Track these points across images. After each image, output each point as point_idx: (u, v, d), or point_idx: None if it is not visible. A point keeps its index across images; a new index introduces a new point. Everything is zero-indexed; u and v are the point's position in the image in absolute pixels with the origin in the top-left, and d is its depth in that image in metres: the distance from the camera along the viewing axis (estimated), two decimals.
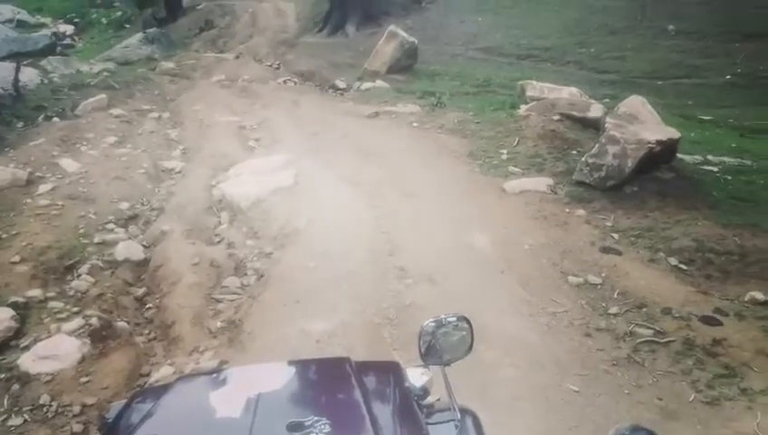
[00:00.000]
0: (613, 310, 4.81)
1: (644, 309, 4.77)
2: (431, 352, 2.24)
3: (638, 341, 4.42)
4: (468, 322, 2.29)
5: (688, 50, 14.47)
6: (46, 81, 13.35)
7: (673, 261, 5.42)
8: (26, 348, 4.67)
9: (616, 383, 4.04)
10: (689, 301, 4.82)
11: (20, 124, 10.14)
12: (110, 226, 6.80)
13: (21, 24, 23.78)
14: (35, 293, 5.40)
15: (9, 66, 12.26)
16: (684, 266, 5.34)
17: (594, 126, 8.62)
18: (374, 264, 5.66)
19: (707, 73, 13.38)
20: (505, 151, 8.33)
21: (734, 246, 5.56)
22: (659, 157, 6.97)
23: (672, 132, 7.14)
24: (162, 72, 15.95)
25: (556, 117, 9.03)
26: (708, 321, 4.55)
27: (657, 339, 4.42)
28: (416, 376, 2.22)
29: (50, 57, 16.62)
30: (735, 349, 4.26)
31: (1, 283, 5.48)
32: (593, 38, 16.21)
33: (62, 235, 6.35)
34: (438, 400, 2.21)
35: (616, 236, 5.94)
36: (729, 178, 7.41)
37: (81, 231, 6.53)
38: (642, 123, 7.27)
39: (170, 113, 11.73)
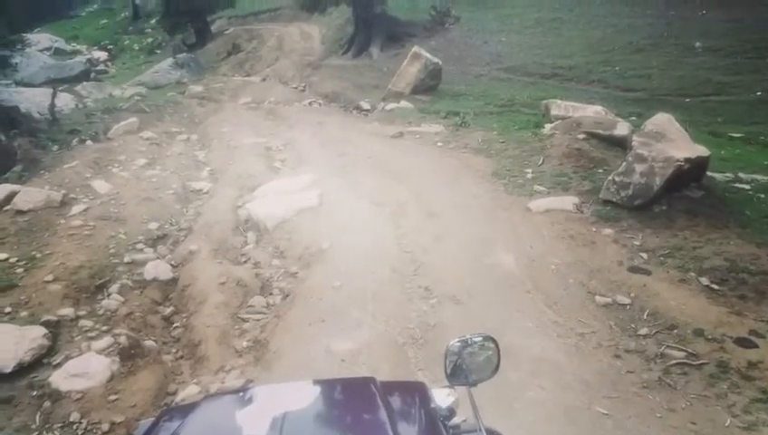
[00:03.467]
0: (643, 331, 4.70)
1: (675, 330, 4.65)
2: (457, 373, 2.22)
3: (670, 363, 4.31)
4: (495, 342, 2.27)
5: (716, 67, 14.26)
6: (81, 105, 13.78)
7: (704, 281, 5.28)
8: (58, 366, 4.77)
9: (647, 406, 3.93)
10: (722, 322, 4.69)
11: (55, 147, 10.45)
12: (140, 245, 6.94)
13: (58, 52, 24.65)
14: (67, 311, 5.52)
15: (46, 92, 12.72)
16: (716, 287, 5.20)
17: (620, 144, 8.54)
18: (399, 283, 5.65)
19: (736, 90, 13.15)
20: (530, 170, 8.29)
21: None
22: (688, 175, 6.84)
23: (701, 150, 7.02)
24: (191, 96, 16.34)
25: (581, 135, 8.97)
26: (743, 343, 4.41)
27: (689, 361, 4.30)
28: (441, 397, 2.19)
29: (84, 83, 17.21)
30: None
31: (35, 301, 5.62)
32: (618, 56, 16.11)
33: (93, 254, 6.49)
34: (465, 421, 2.18)
35: (644, 255, 5.83)
36: (762, 196, 7.23)
37: (112, 251, 6.67)
38: (670, 141, 7.16)
39: (198, 135, 11.99)
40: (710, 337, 4.50)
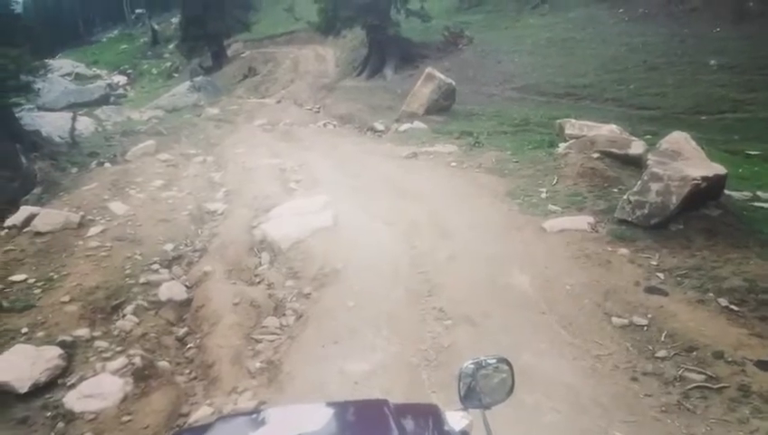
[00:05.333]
0: (661, 353, 4.61)
1: (694, 352, 4.55)
2: (471, 395, 2.19)
3: (689, 386, 4.20)
4: (509, 364, 2.24)
5: (731, 84, 14.17)
6: (100, 128, 14.10)
7: (723, 302, 5.17)
8: (72, 386, 4.80)
9: (666, 431, 3.83)
10: (743, 344, 4.58)
11: (75, 170, 10.66)
12: (155, 266, 7.00)
13: (79, 77, 25.27)
14: (83, 332, 5.56)
15: (67, 116, 13.04)
16: (735, 308, 5.09)
17: (635, 163, 8.48)
18: (413, 304, 5.62)
19: (752, 108, 13.04)
20: (544, 190, 8.25)
21: None
22: (706, 193, 6.76)
23: (718, 168, 6.94)
24: (207, 118, 16.60)
25: (596, 154, 8.93)
26: (765, 366, 4.29)
27: (709, 385, 4.19)
28: (455, 420, 2.16)
29: (104, 106, 17.60)
30: None
31: (51, 322, 5.68)
32: (632, 75, 16.09)
33: (109, 275, 6.56)
34: None
35: (661, 275, 5.74)
36: None
37: (128, 272, 6.74)
38: (686, 159, 7.09)
39: (214, 157, 12.14)
40: (730, 360, 4.39)
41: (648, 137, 10.21)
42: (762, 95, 13.30)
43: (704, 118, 13.07)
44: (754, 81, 13.97)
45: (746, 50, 15.18)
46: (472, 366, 2.21)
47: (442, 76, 15.24)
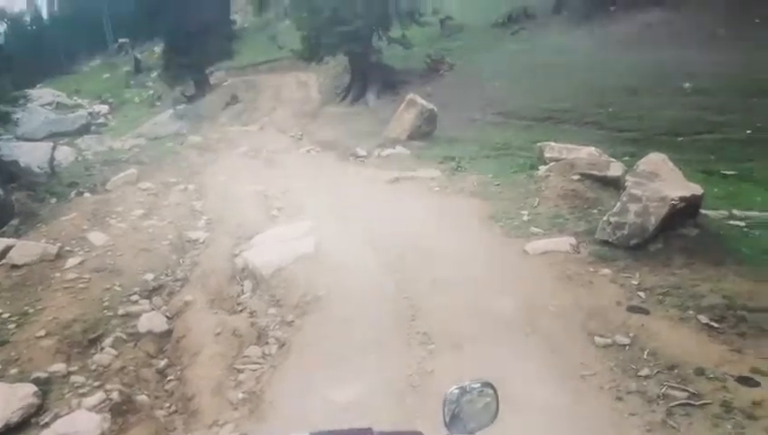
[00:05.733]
0: (644, 372, 4.61)
1: (676, 370, 4.56)
2: (456, 421, 2.17)
3: (673, 404, 4.21)
4: (493, 388, 2.22)
5: (706, 107, 14.47)
6: (80, 158, 14.01)
7: (703, 319, 5.21)
8: (46, 425, 4.67)
9: None
10: (724, 360, 4.60)
11: (53, 200, 10.55)
12: (135, 297, 6.89)
13: (59, 106, 25.15)
14: (59, 367, 5.44)
15: (46, 146, 12.93)
16: (715, 324, 5.13)
17: (614, 185, 8.59)
18: (396, 330, 5.58)
19: (727, 129, 13.30)
20: (526, 212, 8.31)
21: (767, 302, 5.34)
22: (683, 213, 6.86)
23: (695, 188, 7.05)
24: (189, 146, 16.56)
25: (576, 177, 9.04)
26: (745, 382, 4.32)
27: (692, 402, 4.20)
28: None
29: (85, 136, 17.49)
30: None
31: (25, 358, 5.55)
32: (610, 98, 16.37)
33: (87, 308, 6.45)
34: None
35: (642, 294, 5.78)
36: (757, 232, 7.23)
37: (106, 303, 6.63)
38: (663, 180, 7.20)
39: (196, 185, 12.09)
40: (711, 376, 4.41)
41: (627, 158, 10.36)
42: (734, 117, 13.59)
43: (680, 139, 13.30)
44: (727, 103, 14.28)
45: (718, 74, 15.56)
46: (456, 392, 2.19)
47: (424, 102, 15.40)
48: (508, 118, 17.27)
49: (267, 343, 5.89)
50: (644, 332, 5.10)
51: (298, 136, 17.72)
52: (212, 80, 28.19)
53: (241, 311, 6.62)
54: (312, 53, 22.32)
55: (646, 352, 4.83)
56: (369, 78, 21.41)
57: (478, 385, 2.22)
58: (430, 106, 15.41)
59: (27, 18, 48.61)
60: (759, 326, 5.02)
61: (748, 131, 12.86)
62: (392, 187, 10.79)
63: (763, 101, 13.74)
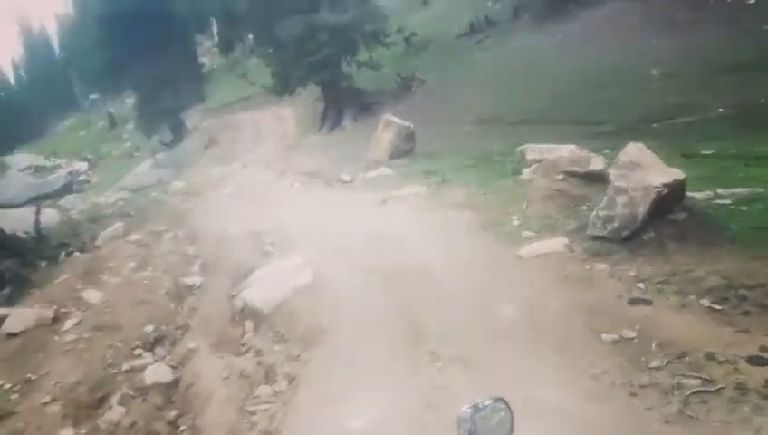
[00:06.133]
0: (654, 363, 4.62)
1: (686, 358, 4.57)
2: None
3: (688, 393, 4.21)
4: (505, 402, 2.24)
5: (675, 91, 14.78)
6: (66, 218, 13.96)
7: (705, 303, 5.25)
8: None
9: None
10: (731, 342, 4.62)
11: (43, 264, 10.45)
12: (137, 351, 6.83)
13: (38, 169, 25.06)
14: (67, 432, 5.37)
15: (30, 211, 12.82)
16: (718, 307, 5.17)
17: (599, 179, 8.69)
18: (403, 351, 5.55)
19: (699, 110, 13.56)
20: (516, 217, 8.37)
21: (766, 277, 5.39)
22: (669, 199, 6.95)
23: (677, 173, 7.15)
24: (174, 193, 16.55)
25: (560, 176, 9.13)
26: (756, 361, 4.32)
27: (706, 388, 4.20)
28: None
29: (67, 195, 17.43)
30: None
31: (33, 427, 5.46)
32: (582, 93, 16.64)
33: (90, 368, 6.37)
34: None
35: (642, 285, 5.82)
36: (744, 208, 7.32)
37: (109, 361, 6.56)
38: (645, 169, 7.30)
39: (185, 230, 12.06)
40: (722, 360, 4.42)
41: (607, 151, 10.49)
42: (703, 97, 13.89)
43: (655, 126, 13.53)
44: (695, 85, 14.60)
45: (682, 57, 15.92)
46: (469, 410, 2.20)
47: (400, 121, 15.55)
48: (485, 125, 17.50)
49: (276, 380, 5.83)
50: (649, 323, 5.11)
51: (281, 169, 17.77)
52: (188, 124, 28.26)
53: (246, 351, 6.57)
54: (283, 87, 22.54)
55: (654, 344, 4.83)
56: (343, 104, 21.63)
57: (490, 401, 2.24)
58: (407, 124, 15.56)
59: None
60: (761, 303, 5.06)
61: (720, 109, 13.12)
62: (380, 208, 10.83)
63: (730, 78, 14.06)
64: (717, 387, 4.18)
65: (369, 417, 4.66)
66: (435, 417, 4.50)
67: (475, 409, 2.20)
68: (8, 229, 11.91)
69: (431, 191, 11.01)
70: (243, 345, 6.73)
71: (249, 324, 7.09)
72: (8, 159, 18.89)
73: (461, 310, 6.05)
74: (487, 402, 2.23)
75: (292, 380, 5.70)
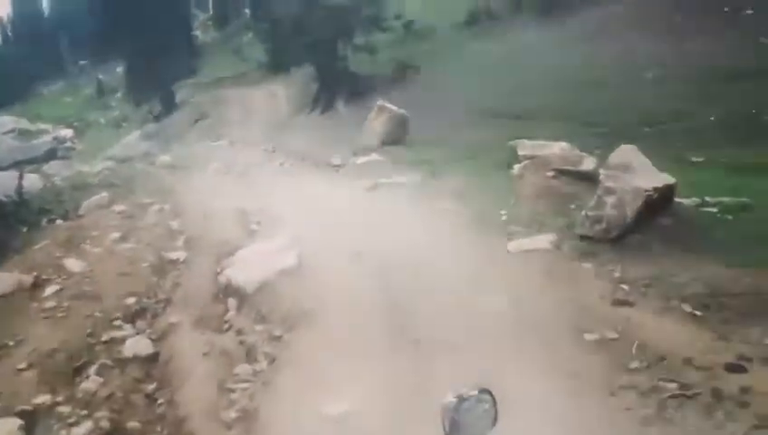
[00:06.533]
0: (634, 365, 4.69)
1: (665, 361, 4.64)
2: (456, 430, 2.18)
3: (664, 396, 4.28)
4: (490, 394, 2.24)
5: (669, 95, 14.84)
6: (49, 184, 13.70)
7: (687, 308, 5.33)
8: None
9: None
10: (710, 349, 4.70)
11: (24, 229, 10.28)
12: (118, 322, 6.77)
13: (22, 133, 24.55)
14: (43, 399, 5.32)
15: (13, 175, 12.59)
16: (698, 313, 5.25)
17: (589, 178, 8.72)
18: (387, 337, 5.58)
19: (691, 116, 13.64)
20: (505, 212, 8.39)
21: (747, 287, 5.48)
22: (658, 203, 7.02)
23: (667, 178, 7.22)
24: (161, 166, 16.36)
25: (550, 173, 9.16)
26: (733, 368, 4.40)
27: (683, 392, 4.27)
28: None
29: (52, 162, 17.12)
30: (765, 396, 4.10)
31: (8, 392, 5.41)
32: (576, 93, 16.65)
33: (69, 336, 6.31)
34: None
35: (626, 287, 5.89)
36: (730, 217, 7.41)
37: (89, 330, 6.50)
38: (636, 172, 7.36)
39: (171, 205, 11.91)
40: (699, 365, 4.50)
41: (599, 152, 10.51)
42: (697, 104, 13.96)
43: (648, 129, 13.57)
44: (689, 91, 14.67)
45: (678, 62, 15.99)
46: (454, 401, 2.20)
47: (393, 107, 15.46)
48: (478, 118, 17.42)
49: (257, 359, 5.83)
50: (630, 325, 5.19)
51: (270, 149, 17.62)
52: (178, 97, 27.87)
53: (228, 329, 6.54)
54: (277, 65, 22.30)
55: (634, 346, 4.91)
56: (337, 87, 21.44)
57: (475, 392, 2.24)
58: (400, 111, 15.48)
59: None
60: (740, 311, 5.14)
61: (712, 118, 13.20)
62: (370, 194, 10.79)
63: (724, 87, 14.15)
64: (694, 392, 4.25)
65: (348, 403, 4.67)
66: (416, 405, 4.52)
67: (460, 399, 2.21)
68: None
69: (422, 180, 10.99)
70: (225, 323, 6.69)
71: (232, 302, 7.05)
72: None
73: (446, 300, 6.07)
74: (472, 393, 2.23)
75: (272, 360, 5.70)
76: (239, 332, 6.38)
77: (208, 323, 6.62)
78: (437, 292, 6.31)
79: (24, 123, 26.15)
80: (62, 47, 44.17)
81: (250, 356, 5.90)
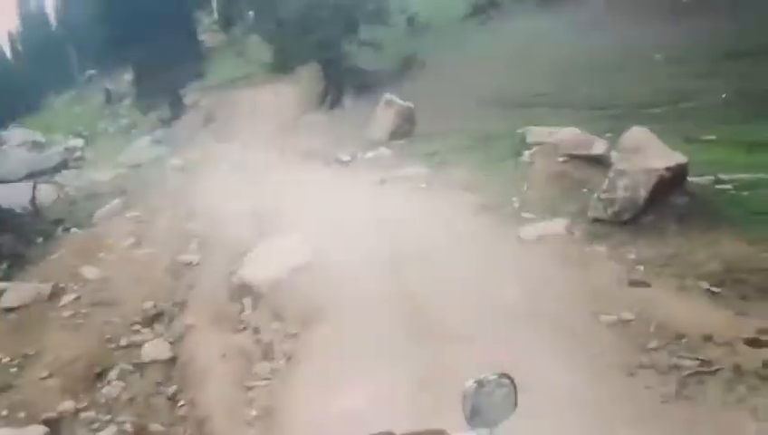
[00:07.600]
0: (652, 344, 4.65)
1: (684, 339, 4.60)
2: (476, 415, 2.17)
3: (685, 373, 4.24)
4: (510, 378, 2.23)
5: (678, 75, 14.66)
6: (62, 194, 13.85)
7: (704, 285, 5.27)
8: None
9: (669, 422, 3.84)
10: (729, 325, 4.65)
11: (40, 240, 10.41)
12: (136, 327, 6.85)
13: (34, 145, 24.79)
14: (67, 406, 5.39)
15: (26, 186, 12.75)
16: (716, 290, 5.19)
17: (600, 162, 8.64)
18: (402, 329, 5.57)
19: (702, 95, 13.46)
20: (516, 199, 8.34)
21: (765, 262, 5.40)
22: (671, 183, 6.93)
23: (679, 157, 7.13)
24: (172, 170, 16.44)
25: (561, 158, 9.08)
26: (753, 343, 4.35)
27: (704, 369, 4.23)
28: None
29: (64, 171, 17.28)
30: None
31: (32, 400, 5.48)
32: (585, 77, 16.49)
33: (88, 343, 6.40)
34: None
35: (641, 268, 5.83)
36: (745, 193, 7.31)
37: (108, 337, 6.58)
38: (647, 152, 7.26)
39: (183, 208, 11.98)
40: (720, 341, 4.45)
41: (609, 135, 10.41)
42: (706, 83, 13.77)
43: (658, 110, 13.42)
44: (697, 70, 14.49)
45: (685, 42, 15.78)
46: (474, 386, 2.18)
47: (400, 101, 15.41)
48: (485, 107, 17.31)
49: (274, 357, 5.86)
50: (648, 305, 5.14)
51: (280, 148, 17.64)
52: (186, 101, 27.98)
53: (244, 329, 6.59)
54: (283, 65, 22.30)
55: (652, 325, 4.86)
56: (343, 83, 21.42)
57: (495, 377, 2.22)
58: (407, 104, 15.42)
59: None
60: (759, 287, 5.08)
61: (723, 95, 13.02)
62: (379, 188, 10.77)
63: (734, 65, 13.95)
64: (715, 368, 4.21)
65: (366, 395, 4.67)
66: (435, 394, 4.52)
67: (480, 384, 2.19)
68: (4, 205, 11.85)
69: (431, 172, 10.95)
70: (241, 323, 6.74)
71: (247, 302, 7.09)
72: (3, 134, 18.76)
73: (460, 290, 6.05)
74: (491, 378, 2.22)
75: (289, 357, 5.72)
76: (255, 330, 6.41)
77: (225, 324, 6.67)
78: (452, 282, 6.29)
79: (35, 135, 26.42)
80: (71, 58, 44.50)
81: (267, 354, 5.94)
